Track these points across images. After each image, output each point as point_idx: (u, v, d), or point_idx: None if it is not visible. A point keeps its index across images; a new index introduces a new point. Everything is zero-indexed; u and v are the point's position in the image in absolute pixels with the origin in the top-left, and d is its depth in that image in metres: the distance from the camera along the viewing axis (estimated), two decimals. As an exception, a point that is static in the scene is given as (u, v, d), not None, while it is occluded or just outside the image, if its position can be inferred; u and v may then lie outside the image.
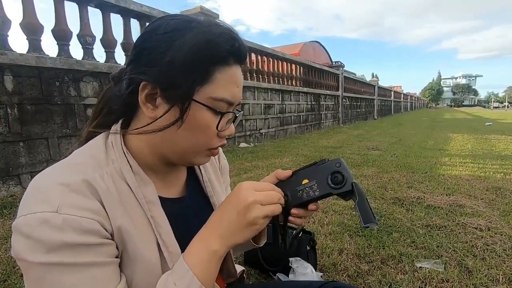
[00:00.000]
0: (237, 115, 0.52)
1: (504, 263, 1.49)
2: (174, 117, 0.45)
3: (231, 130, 0.52)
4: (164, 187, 0.55)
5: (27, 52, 2.92)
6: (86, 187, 0.42)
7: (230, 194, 0.47)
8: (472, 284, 1.32)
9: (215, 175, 0.68)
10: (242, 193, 0.45)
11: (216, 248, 0.44)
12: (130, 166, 0.48)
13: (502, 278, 1.36)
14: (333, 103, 11.44)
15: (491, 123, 9.36)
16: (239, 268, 1.33)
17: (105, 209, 0.43)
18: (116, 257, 0.44)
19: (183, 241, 0.51)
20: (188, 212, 0.58)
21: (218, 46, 0.45)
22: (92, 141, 0.51)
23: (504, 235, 1.79)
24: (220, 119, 0.47)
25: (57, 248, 0.37)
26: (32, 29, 2.98)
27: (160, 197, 0.51)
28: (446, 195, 2.60)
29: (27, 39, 2.98)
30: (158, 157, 0.51)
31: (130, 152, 0.50)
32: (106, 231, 0.42)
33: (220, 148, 0.76)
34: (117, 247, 0.44)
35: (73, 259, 0.38)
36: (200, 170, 0.65)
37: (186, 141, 0.48)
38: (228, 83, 0.47)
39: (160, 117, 0.46)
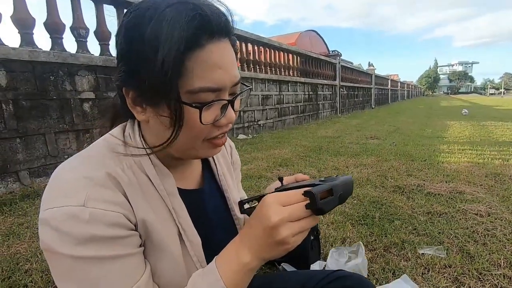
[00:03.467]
0: (229, 100, 0.45)
1: (505, 248, 1.51)
2: (163, 118, 0.43)
3: (229, 117, 0.46)
4: (180, 179, 0.55)
5: (19, 46, 2.85)
6: (110, 180, 0.42)
7: (256, 209, 0.43)
8: (474, 269, 1.34)
9: (228, 170, 0.69)
10: (266, 211, 0.40)
11: (247, 261, 0.42)
12: (149, 159, 0.48)
13: (503, 262, 1.38)
14: (331, 92, 11.39)
15: (466, 111, 9.47)
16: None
17: (129, 201, 0.44)
18: (140, 245, 0.45)
19: (202, 230, 0.53)
20: (206, 203, 0.59)
21: (179, 31, 0.38)
22: (109, 134, 0.51)
23: (504, 220, 1.82)
24: (201, 112, 0.42)
25: (85, 241, 0.38)
26: (24, 22, 2.90)
27: (178, 189, 0.51)
28: (446, 182, 2.61)
29: (19, 32, 2.90)
30: (165, 153, 0.50)
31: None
32: (131, 222, 0.43)
33: (232, 144, 0.76)
34: (140, 236, 0.45)
35: (101, 252, 0.39)
36: (216, 164, 0.65)
37: (180, 139, 0.44)
38: (204, 68, 0.40)
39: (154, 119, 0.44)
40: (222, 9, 0.44)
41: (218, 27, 0.41)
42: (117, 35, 0.45)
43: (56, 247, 0.38)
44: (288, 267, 1.34)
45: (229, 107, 0.46)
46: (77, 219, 0.38)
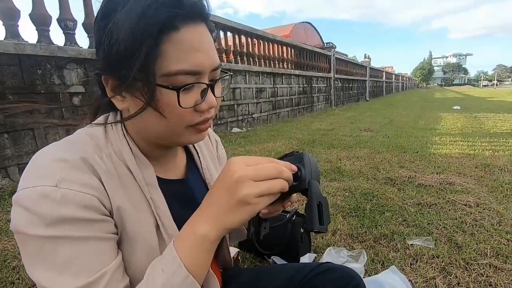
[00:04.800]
0: (208, 84, 0.45)
1: (492, 238, 1.54)
2: (140, 104, 0.42)
3: (209, 102, 0.45)
4: (163, 171, 0.55)
5: (4, 39, 2.77)
6: (85, 164, 0.42)
7: (221, 170, 0.42)
8: (462, 259, 1.36)
9: (213, 163, 0.68)
10: (230, 168, 0.40)
11: (205, 232, 0.40)
12: (130, 149, 0.48)
13: (490, 252, 1.41)
14: (325, 85, 11.37)
15: (458, 107, 9.60)
16: (233, 250, 1.35)
17: (104, 187, 0.43)
18: (115, 234, 0.44)
19: (183, 220, 0.51)
20: (188, 193, 0.58)
21: (153, 14, 0.38)
22: (91, 123, 0.51)
23: (492, 211, 1.84)
24: (178, 95, 0.41)
25: (55, 222, 0.37)
26: (8, 13, 2.81)
27: (159, 178, 0.51)
28: (437, 173, 2.64)
29: (3, 24, 2.82)
30: (148, 142, 0.50)
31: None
32: (105, 208, 0.43)
33: (218, 138, 0.76)
34: (116, 226, 0.44)
35: (70, 233, 0.38)
36: (199, 157, 0.64)
37: (161, 125, 0.44)
38: (182, 51, 0.41)
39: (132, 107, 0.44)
40: None
41: (193, 10, 0.42)
42: (94, 22, 0.45)
43: (25, 228, 0.37)
44: (278, 260, 1.35)
45: (209, 91, 0.45)
46: (48, 199, 0.37)
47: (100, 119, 0.51)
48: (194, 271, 0.40)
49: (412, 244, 1.50)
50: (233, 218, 0.39)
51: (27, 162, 0.45)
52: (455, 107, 9.81)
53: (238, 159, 0.41)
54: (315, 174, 0.45)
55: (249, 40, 6.73)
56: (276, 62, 7.83)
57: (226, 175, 0.40)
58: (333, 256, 1.38)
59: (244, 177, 0.39)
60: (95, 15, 0.44)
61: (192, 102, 0.44)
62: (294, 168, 0.44)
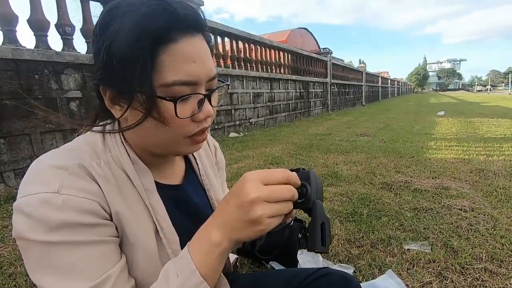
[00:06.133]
0: (205, 95, 0.46)
1: (487, 242, 1.56)
2: (138, 114, 0.44)
3: (206, 111, 0.46)
4: (161, 176, 0.56)
5: (2, 44, 2.78)
6: (83, 170, 0.43)
7: (235, 184, 0.42)
8: (457, 264, 1.37)
9: (212, 169, 0.69)
10: (245, 186, 0.39)
11: (217, 240, 0.41)
12: (128, 156, 0.49)
13: (485, 256, 1.42)
14: (322, 90, 11.46)
15: (442, 112, 9.73)
16: (232, 257, 1.35)
17: (103, 192, 0.44)
18: (117, 237, 0.45)
19: (182, 225, 0.52)
20: (186, 198, 0.59)
21: (151, 26, 0.39)
22: (90, 131, 0.51)
23: (487, 215, 1.86)
24: (175, 106, 0.42)
25: (57, 227, 0.38)
26: (5, 19, 2.82)
27: (158, 183, 0.52)
28: (432, 178, 2.67)
29: (1, 30, 2.82)
30: (145, 150, 0.51)
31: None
32: (105, 212, 0.43)
33: (217, 144, 0.77)
34: (116, 229, 0.45)
35: (72, 237, 0.39)
36: (197, 163, 0.65)
37: (159, 135, 0.45)
38: (178, 62, 0.42)
39: (129, 116, 0.45)
40: (193, 6, 0.46)
41: (189, 22, 0.43)
42: (93, 34, 0.46)
43: (28, 234, 0.38)
44: (276, 265, 1.36)
45: (206, 101, 0.46)
46: (50, 205, 0.38)
47: (99, 126, 0.52)
48: (208, 277, 0.41)
49: (408, 249, 1.51)
50: (244, 234, 0.40)
51: (23, 168, 0.46)
52: (439, 113, 9.86)
53: (254, 175, 0.40)
54: (320, 193, 0.45)
55: (246, 45, 6.79)
56: (273, 67, 7.90)
57: (240, 192, 0.40)
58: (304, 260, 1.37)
59: (259, 198, 0.38)
60: (95, 24, 0.45)
61: (189, 112, 0.45)
62: (298, 182, 0.44)
